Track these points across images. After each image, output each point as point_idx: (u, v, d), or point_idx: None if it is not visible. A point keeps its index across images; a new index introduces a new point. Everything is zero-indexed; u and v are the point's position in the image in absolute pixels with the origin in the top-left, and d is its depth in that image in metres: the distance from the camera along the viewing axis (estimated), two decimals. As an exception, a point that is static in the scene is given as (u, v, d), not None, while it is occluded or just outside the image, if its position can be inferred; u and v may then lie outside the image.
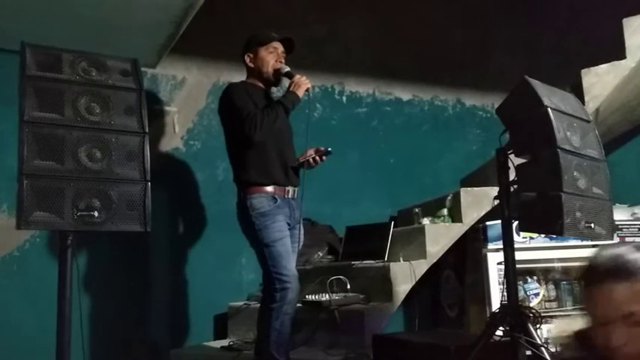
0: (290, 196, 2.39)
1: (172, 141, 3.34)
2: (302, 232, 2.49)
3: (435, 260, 2.90)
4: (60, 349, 1.67)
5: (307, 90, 2.38)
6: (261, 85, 2.49)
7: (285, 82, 2.45)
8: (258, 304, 2.51)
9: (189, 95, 3.43)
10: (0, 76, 2.74)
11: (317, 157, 2.46)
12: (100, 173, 1.66)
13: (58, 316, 1.68)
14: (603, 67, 3.03)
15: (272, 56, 2.45)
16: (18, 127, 1.60)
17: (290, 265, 2.28)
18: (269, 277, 2.27)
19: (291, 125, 2.54)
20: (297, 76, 2.39)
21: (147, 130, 1.74)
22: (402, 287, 2.76)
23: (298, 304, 2.82)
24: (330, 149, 2.44)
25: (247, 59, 2.49)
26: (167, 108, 3.36)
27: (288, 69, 2.44)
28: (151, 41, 2.92)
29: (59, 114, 1.64)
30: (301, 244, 2.51)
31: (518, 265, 2.07)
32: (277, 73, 2.45)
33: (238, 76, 2.66)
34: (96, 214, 1.62)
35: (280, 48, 2.48)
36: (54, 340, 1.68)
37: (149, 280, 3.20)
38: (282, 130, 2.42)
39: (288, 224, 2.36)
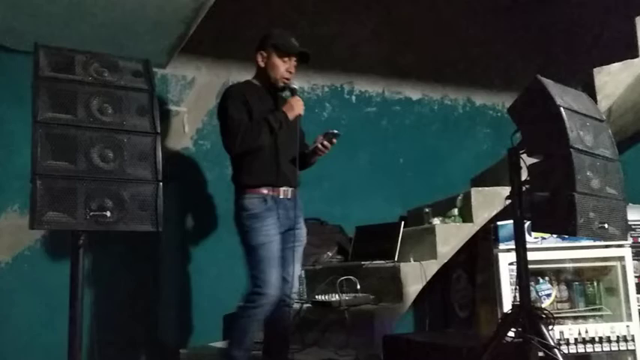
0: (286, 197, 2.35)
1: (182, 141, 3.35)
2: (304, 232, 2.46)
3: (445, 260, 2.88)
4: (72, 348, 1.68)
5: (299, 115, 2.35)
6: (265, 85, 2.47)
7: (288, 94, 2.44)
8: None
9: (198, 95, 3.43)
10: (14, 77, 2.79)
11: (326, 142, 2.40)
12: (112, 173, 1.67)
13: (70, 315, 1.69)
14: (616, 65, 3.00)
15: (284, 65, 2.41)
16: (31, 127, 1.62)
17: (271, 270, 2.24)
18: (249, 278, 2.28)
19: (299, 125, 2.50)
20: (296, 98, 2.37)
21: (159, 131, 1.75)
22: (413, 288, 2.75)
23: (308, 304, 2.82)
24: (337, 131, 2.39)
25: (259, 58, 2.44)
26: (177, 108, 3.37)
27: (294, 87, 2.41)
28: (161, 42, 2.93)
29: (72, 114, 1.65)
30: (303, 244, 2.48)
31: (529, 266, 2.05)
32: (285, 84, 2.43)
33: (248, 76, 2.65)
34: (108, 214, 1.64)
35: (295, 57, 2.44)
36: (64, 339, 1.69)
37: (158, 279, 3.20)
38: (283, 130, 2.38)
39: (284, 226, 2.34)
